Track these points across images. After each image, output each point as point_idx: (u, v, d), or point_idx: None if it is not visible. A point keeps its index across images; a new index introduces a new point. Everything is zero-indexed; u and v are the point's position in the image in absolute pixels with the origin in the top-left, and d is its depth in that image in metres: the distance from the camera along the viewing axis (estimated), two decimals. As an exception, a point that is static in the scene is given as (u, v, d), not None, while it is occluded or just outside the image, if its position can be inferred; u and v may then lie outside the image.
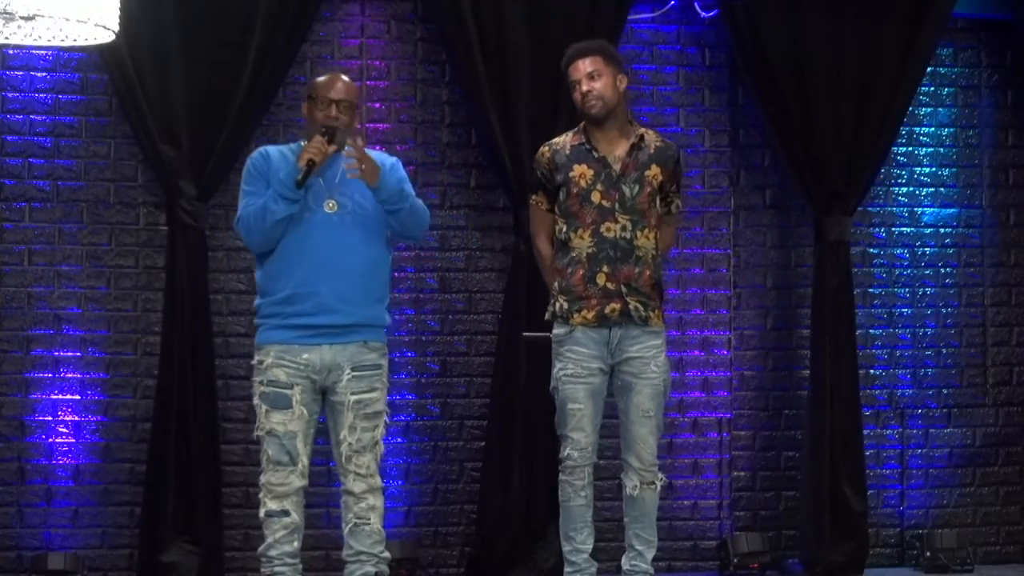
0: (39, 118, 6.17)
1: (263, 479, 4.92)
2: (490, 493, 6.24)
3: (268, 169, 4.98)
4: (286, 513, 4.92)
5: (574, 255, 5.18)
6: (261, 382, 4.94)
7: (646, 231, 5.18)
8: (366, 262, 4.97)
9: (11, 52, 6.08)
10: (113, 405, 6.17)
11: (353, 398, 4.94)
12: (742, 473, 6.63)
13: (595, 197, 5.15)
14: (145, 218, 6.23)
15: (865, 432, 6.54)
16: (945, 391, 6.82)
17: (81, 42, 4.47)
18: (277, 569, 4.95)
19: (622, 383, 5.20)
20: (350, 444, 4.94)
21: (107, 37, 4.47)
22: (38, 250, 6.16)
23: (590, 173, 5.17)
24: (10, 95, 6.15)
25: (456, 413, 6.42)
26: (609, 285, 5.14)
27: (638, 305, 5.15)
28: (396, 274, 6.37)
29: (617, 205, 5.15)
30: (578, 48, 5.25)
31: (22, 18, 4.19)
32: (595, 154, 5.19)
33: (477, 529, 6.30)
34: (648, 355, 5.18)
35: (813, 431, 6.42)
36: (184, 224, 6.01)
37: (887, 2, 6.44)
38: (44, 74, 6.17)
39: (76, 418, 6.13)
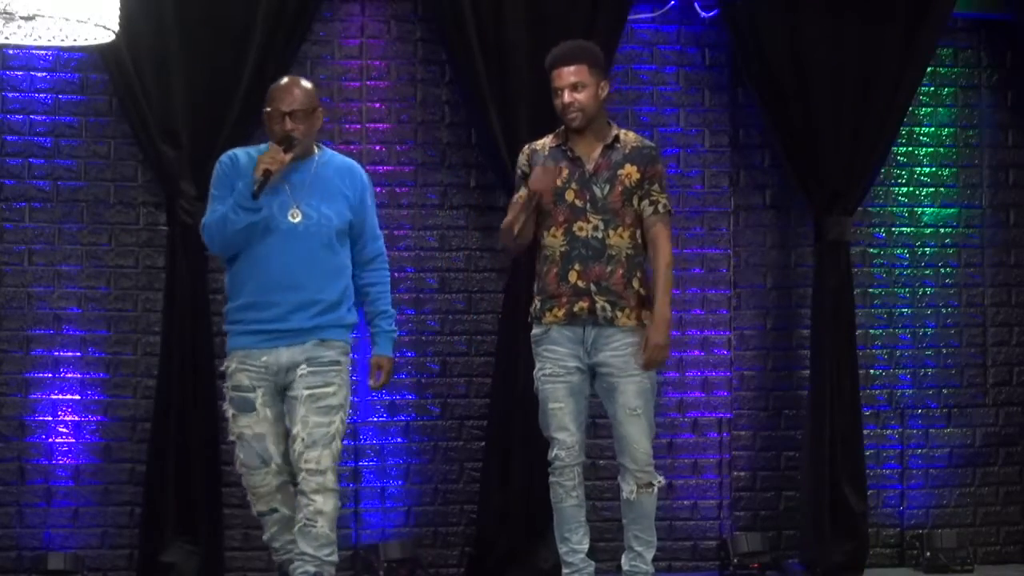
0: (39, 118, 6.17)
1: (243, 481, 5.06)
2: (490, 493, 6.24)
3: (235, 173, 5.01)
4: (275, 511, 5.04)
5: (547, 253, 5.24)
6: (228, 387, 5.04)
7: (620, 230, 5.21)
8: (327, 272, 5.02)
9: (11, 52, 6.08)
10: (113, 405, 6.17)
11: (306, 392, 4.96)
12: (742, 473, 6.63)
13: (568, 196, 5.22)
14: (145, 218, 6.23)
15: (865, 432, 6.53)
16: (945, 391, 6.82)
17: (81, 42, 4.48)
18: (285, 556, 5.09)
19: (607, 385, 5.22)
20: (303, 439, 4.93)
21: (107, 37, 4.47)
22: (38, 250, 6.16)
23: (565, 172, 5.23)
24: (10, 95, 6.15)
25: (456, 413, 6.42)
26: (580, 283, 5.19)
27: (605, 305, 5.17)
28: (396, 274, 6.36)
29: (589, 205, 5.20)
30: (564, 53, 5.27)
31: (22, 18, 4.19)
32: (570, 154, 5.25)
33: (477, 529, 6.31)
34: (627, 352, 5.18)
35: (813, 431, 6.42)
36: (184, 224, 6.00)
37: (887, 2, 6.44)
38: (44, 74, 6.17)
39: (76, 418, 6.13)
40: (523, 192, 5.23)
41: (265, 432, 4.99)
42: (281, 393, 5.02)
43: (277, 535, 5.09)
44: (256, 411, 4.98)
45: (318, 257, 4.99)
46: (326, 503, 4.93)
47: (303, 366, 4.97)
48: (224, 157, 5.12)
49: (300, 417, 4.95)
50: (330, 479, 4.95)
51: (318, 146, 5.16)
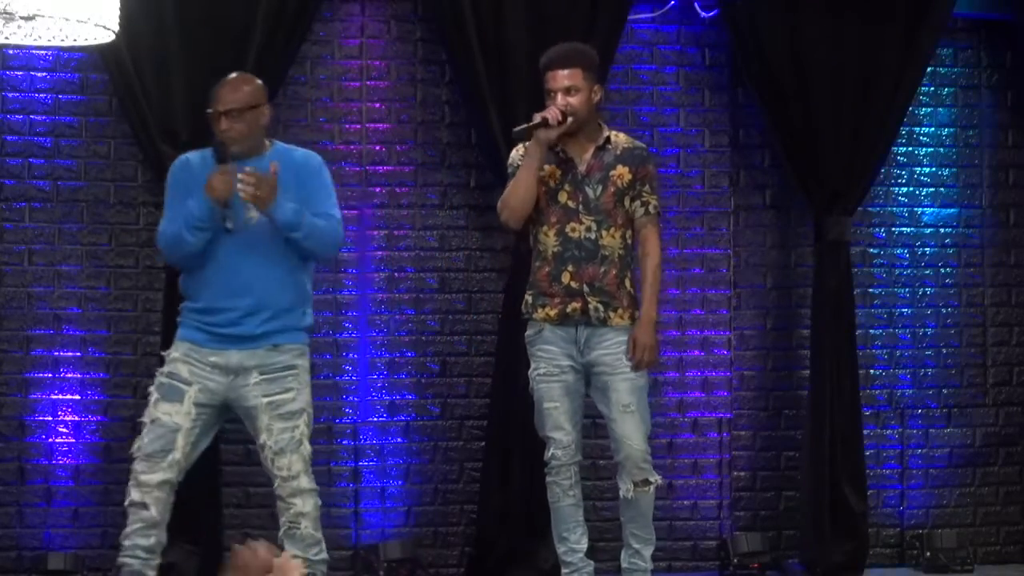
0: (39, 118, 6.17)
1: (133, 465, 4.92)
2: (490, 493, 6.24)
3: (188, 179, 4.95)
4: (145, 507, 4.89)
5: (541, 249, 5.27)
6: (162, 373, 4.94)
7: (612, 231, 5.23)
8: (278, 275, 4.94)
9: (11, 52, 6.07)
10: (113, 405, 6.16)
11: (265, 400, 4.91)
12: (742, 473, 6.63)
13: (562, 197, 5.24)
14: (145, 218, 6.23)
15: (865, 432, 6.53)
16: (945, 391, 6.81)
17: (81, 42, 4.47)
18: (125, 559, 4.90)
19: (601, 384, 5.23)
20: (270, 447, 4.91)
21: (107, 37, 4.47)
22: (38, 250, 6.15)
23: (558, 173, 5.26)
24: (10, 95, 6.14)
25: (456, 413, 6.42)
26: (573, 284, 5.21)
27: (598, 305, 5.19)
28: (396, 274, 6.38)
29: (582, 206, 5.22)
30: (559, 56, 5.29)
31: (22, 18, 4.18)
32: (563, 155, 5.26)
33: (477, 529, 6.30)
34: (619, 351, 5.20)
35: (813, 431, 6.42)
36: (184, 224, 6.00)
37: (887, 2, 6.44)
38: (44, 74, 6.16)
39: (76, 418, 6.13)
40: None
41: (181, 424, 4.87)
42: (218, 407, 4.95)
43: (135, 534, 4.91)
44: (183, 404, 4.88)
45: (270, 259, 4.92)
46: (305, 504, 4.92)
47: (254, 374, 4.92)
48: (176, 162, 5.09)
49: (264, 426, 4.91)
50: (304, 481, 4.92)
51: (269, 142, 5.08)
